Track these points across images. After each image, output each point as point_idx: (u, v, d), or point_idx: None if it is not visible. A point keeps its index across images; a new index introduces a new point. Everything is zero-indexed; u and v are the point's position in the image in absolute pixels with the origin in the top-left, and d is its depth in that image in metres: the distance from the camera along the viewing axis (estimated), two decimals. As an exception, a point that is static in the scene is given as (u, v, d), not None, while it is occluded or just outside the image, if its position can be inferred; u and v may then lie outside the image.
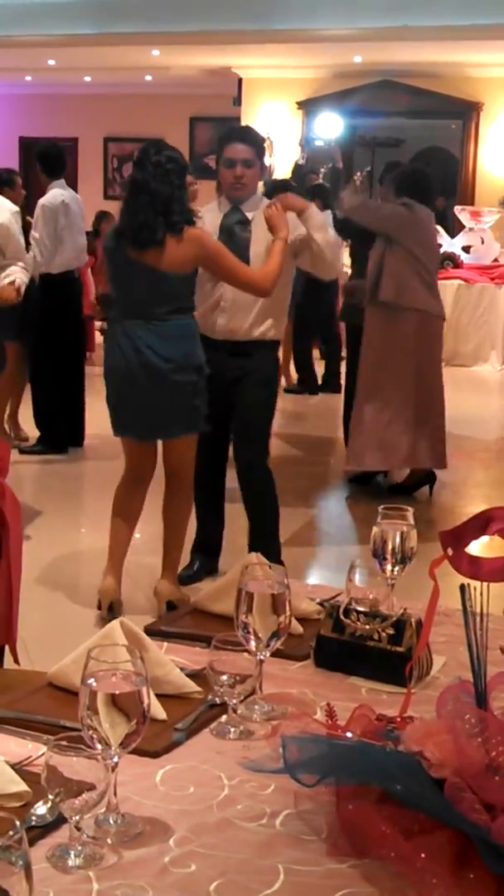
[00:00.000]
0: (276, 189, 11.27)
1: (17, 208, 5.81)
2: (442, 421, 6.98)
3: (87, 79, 16.82)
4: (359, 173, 8.78)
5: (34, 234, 7.64)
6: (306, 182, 12.70)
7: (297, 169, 14.25)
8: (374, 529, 2.32)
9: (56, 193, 7.94)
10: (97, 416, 6.86)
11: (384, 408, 6.83)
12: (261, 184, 5.15)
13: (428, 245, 7.05)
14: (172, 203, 4.65)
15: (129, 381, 4.74)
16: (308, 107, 15.07)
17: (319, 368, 11.33)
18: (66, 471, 7.87)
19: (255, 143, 5.18)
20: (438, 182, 7.33)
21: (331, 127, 15.33)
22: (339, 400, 8.49)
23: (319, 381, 11.26)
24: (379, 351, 6.88)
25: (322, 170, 12.50)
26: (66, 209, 7.91)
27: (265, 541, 5.09)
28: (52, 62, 15.32)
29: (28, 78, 17.04)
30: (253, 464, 5.21)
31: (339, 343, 11.30)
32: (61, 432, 8.14)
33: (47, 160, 8.10)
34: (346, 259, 8.83)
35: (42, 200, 7.90)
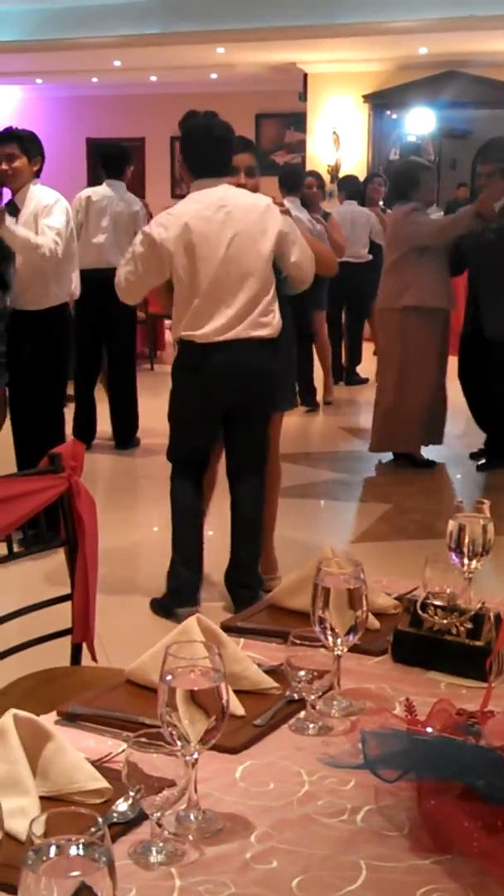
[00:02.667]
0: (343, 184, 11.41)
1: (65, 205, 5.84)
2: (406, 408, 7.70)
3: (153, 79, 16.88)
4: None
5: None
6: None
7: (389, 164, 14.39)
8: (451, 523, 2.30)
9: (87, 189, 8.02)
10: (153, 415, 6.89)
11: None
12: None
13: (390, 238, 7.80)
14: None
15: None
16: (374, 100, 15.00)
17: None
18: (135, 467, 7.92)
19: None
20: (409, 174, 7.64)
21: (422, 121, 15.36)
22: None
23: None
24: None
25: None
26: (89, 205, 7.90)
27: None
28: (117, 63, 15.40)
29: (94, 79, 17.15)
30: None
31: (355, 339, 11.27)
32: (81, 430, 8.14)
33: (102, 158, 8.29)
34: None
35: None
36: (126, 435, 8.35)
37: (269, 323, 4.78)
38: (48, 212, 5.77)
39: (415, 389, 7.63)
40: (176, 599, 5.03)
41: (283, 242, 4.78)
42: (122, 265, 4.86)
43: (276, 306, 4.81)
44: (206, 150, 4.78)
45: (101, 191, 8.09)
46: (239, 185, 4.90)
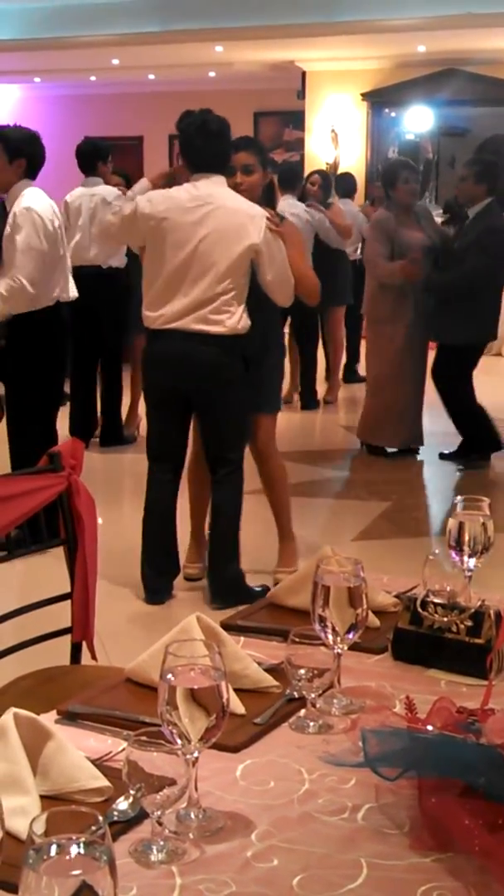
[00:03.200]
0: (338, 182, 11.40)
1: (46, 205, 5.66)
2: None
3: (151, 77, 16.86)
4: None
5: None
6: None
7: (385, 163, 14.40)
8: (451, 521, 2.30)
9: (68, 195, 8.06)
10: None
11: None
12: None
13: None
14: None
15: None
16: (372, 98, 15.00)
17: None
18: (135, 464, 7.90)
19: None
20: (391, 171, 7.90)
21: (420, 119, 15.35)
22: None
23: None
24: None
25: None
26: (67, 209, 7.91)
27: None
28: (115, 61, 15.39)
29: (92, 78, 17.13)
30: None
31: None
32: (77, 428, 8.12)
33: (76, 157, 8.21)
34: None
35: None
36: (107, 432, 8.39)
37: (220, 321, 4.78)
38: (11, 240, 5.54)
39: (382, 389, 7.83)
40: (147, 596, 5.23)
41: (258, 257, 4.75)
42: (109, 213, 5.21)
43: (236, 307, 4.79)
44: (202, 146, 4.85)
45: (77, 192, 8.14)
46: (235, 185, 4.90)
